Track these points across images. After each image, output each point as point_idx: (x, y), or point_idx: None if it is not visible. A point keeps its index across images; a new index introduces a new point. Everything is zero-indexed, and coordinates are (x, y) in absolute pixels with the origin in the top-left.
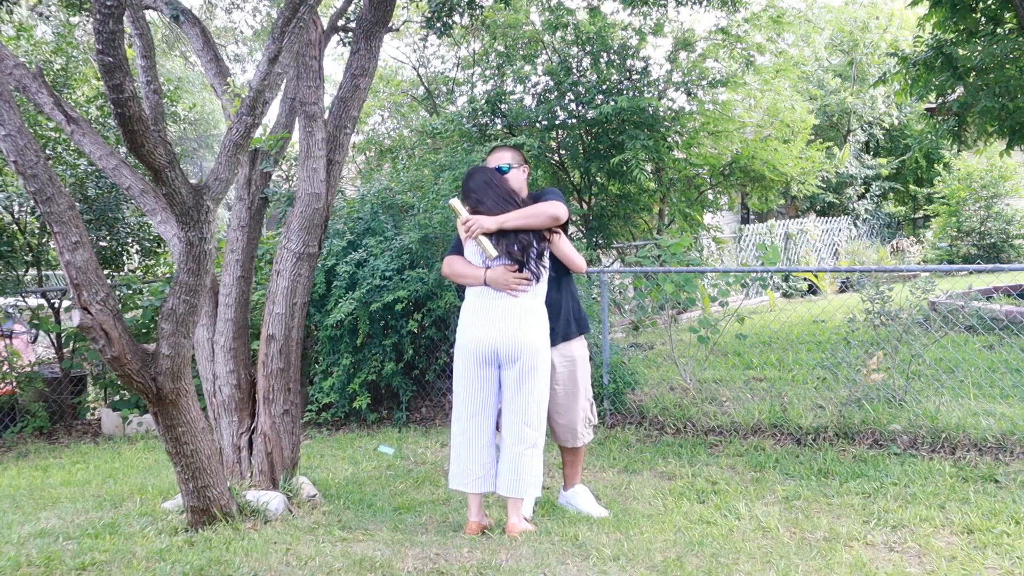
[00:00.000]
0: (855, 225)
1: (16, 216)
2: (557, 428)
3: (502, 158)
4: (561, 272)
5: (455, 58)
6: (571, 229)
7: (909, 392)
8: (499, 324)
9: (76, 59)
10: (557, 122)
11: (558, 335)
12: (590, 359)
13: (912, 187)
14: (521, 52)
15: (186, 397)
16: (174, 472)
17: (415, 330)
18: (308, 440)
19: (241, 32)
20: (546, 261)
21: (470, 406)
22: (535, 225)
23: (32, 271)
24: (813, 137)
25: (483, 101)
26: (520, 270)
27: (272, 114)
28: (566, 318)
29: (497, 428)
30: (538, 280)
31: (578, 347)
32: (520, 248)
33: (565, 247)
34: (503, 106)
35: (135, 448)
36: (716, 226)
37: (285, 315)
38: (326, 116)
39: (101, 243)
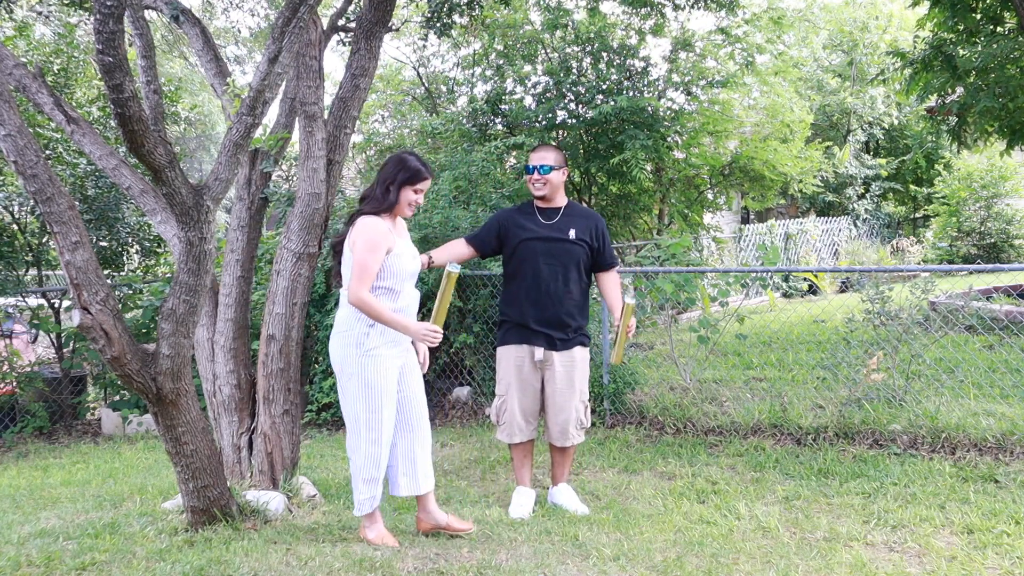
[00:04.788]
0: (855, 225)
1: (16, 216)
2: (549, 425)
3: (545, 158)
4: (584, 283)
5: (455, 58)
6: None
7: (909, 392)
8: None
9: (77, 59)
10: (557, 122)
11: (556, 343)
12: (590, 359)
13: (912, 187)
14: (521, 52)
15: (186, 397)
16: (174, 472)
17: None
18: (308, 440)
19: (239, 32)
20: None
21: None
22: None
23: (32, 271)
24: (812, 135)
25: (483, 101)
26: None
27: (272, 114)
28: (576, 330)
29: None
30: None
31: (579, 352)
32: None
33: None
34: (503, 106)
35: (135, 448)
36: (716, 226)
37: (285, 315)
38: (326, 116)
39: (101, 243)
